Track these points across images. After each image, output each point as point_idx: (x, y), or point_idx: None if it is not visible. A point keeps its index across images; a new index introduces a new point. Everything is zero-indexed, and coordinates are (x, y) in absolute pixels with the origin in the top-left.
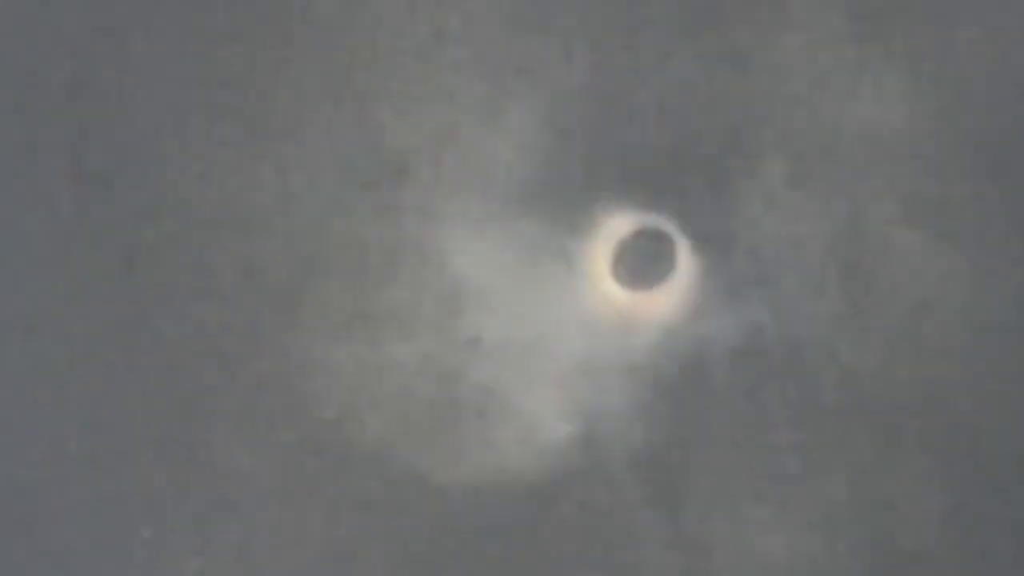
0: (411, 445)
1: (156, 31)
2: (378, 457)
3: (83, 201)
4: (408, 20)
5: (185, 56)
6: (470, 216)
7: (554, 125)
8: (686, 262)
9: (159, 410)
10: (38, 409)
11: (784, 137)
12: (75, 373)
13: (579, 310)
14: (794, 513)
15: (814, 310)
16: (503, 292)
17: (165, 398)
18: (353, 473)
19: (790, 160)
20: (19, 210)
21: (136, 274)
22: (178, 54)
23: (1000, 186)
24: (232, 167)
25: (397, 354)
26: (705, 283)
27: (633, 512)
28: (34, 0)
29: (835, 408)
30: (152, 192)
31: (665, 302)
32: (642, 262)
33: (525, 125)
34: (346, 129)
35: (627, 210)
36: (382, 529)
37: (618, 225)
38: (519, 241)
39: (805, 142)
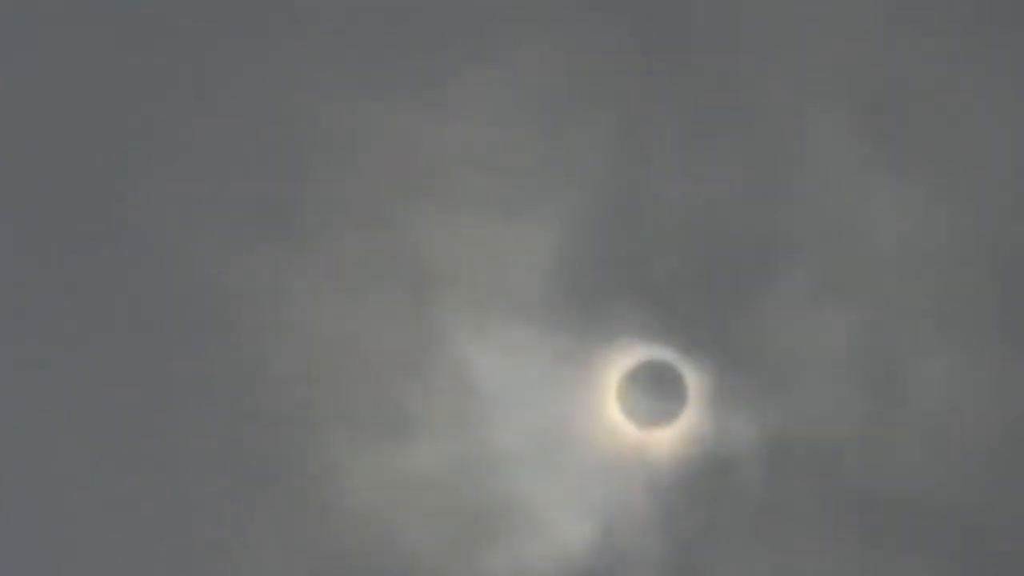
0: (432, 549)
1: (187, 148)
2: (398, 561)
3: (108, 306)
4: (430, 139)
5: (216, 169)
6: (490, 328)
7: (574, 240)
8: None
9: (179, 510)
10: (64, 513)
11: (806, 248)
12: (91, 474)
13: (596, 420)
14: None
15: (836, 420)
16: (522, 401)
17: (185, 497)
18: None
19: (812, 271)
20: (45, 318)
21: (158, 375)
22: (210, 169)
23: (1019, 290)
24: (259, 277)
25: (417, 460)
26: (725, 396)
27: None
28: (67, 120)
29: (856, 514)
30: (181, 300)
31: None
32: (656, 395)
33: (546, 240)
34: (370, 241)
35: (645, 328)
36: None
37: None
38: (539, 352)
39: (827, 254)
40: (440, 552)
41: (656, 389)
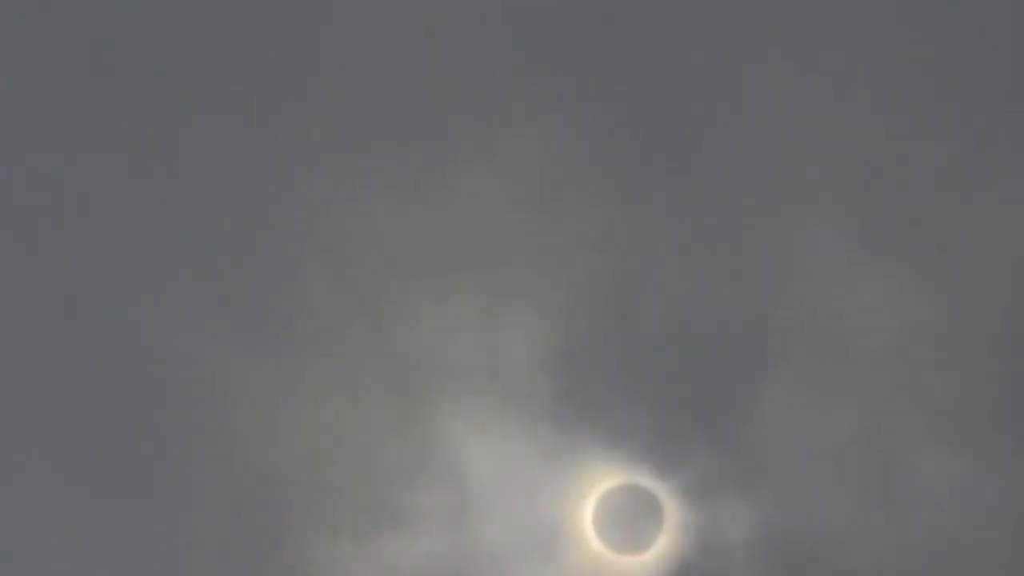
0: None
1: (182, 252)
2: None
3: (102, 408)
4: (423, 238)
5: (210, 272)
6: (483, 426)
7: (567, 337)
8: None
9: None
10: None
11: (798, 340)
12: (85, 570)
13: (582, 519)
14: None
15: (829, 514)
16: (514, 498)
17: None
18: None
19: (804, 363)
20: (45, 428)
21: (153, 476)
22: (205, 272)
23: (1014, 387)
24: (254, 376)
25: (409, 556)
26: (718, 491)
27: None
28: (66, 225)
29: None
30: (176, 401)
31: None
32: (637, 520)
33: (538, 337)
34: (364, 339)
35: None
36: None
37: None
38: (527, 450)
39: (818, 345)
40: None
41: (638, 514)
